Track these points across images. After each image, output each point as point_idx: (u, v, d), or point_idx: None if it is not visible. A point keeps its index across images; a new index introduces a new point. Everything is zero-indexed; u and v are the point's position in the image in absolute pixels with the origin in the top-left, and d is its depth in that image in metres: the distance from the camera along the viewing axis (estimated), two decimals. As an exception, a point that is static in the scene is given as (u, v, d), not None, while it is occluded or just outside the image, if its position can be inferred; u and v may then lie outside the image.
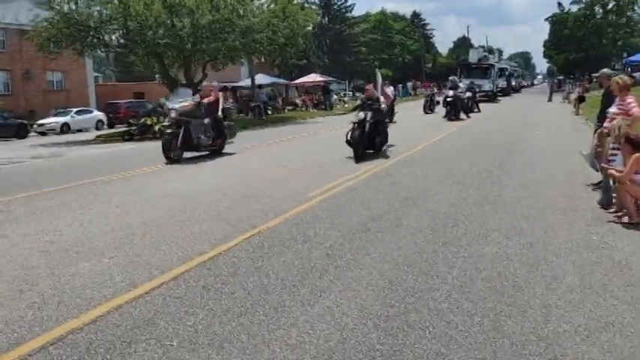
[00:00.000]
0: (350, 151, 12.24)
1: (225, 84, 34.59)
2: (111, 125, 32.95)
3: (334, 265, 5.13)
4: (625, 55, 53.26)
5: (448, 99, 24.79)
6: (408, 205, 7.55)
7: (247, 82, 39.38)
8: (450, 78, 28.17)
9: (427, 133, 18.04)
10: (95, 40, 25.76)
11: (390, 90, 25.50)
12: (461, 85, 30.71)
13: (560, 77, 62.70)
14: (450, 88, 25.72)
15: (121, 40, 26.58)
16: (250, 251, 5.65)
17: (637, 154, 6.18)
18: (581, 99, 25.45)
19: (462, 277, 4.72)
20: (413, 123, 23.52)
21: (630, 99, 7.21)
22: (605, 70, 9.69)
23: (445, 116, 24.26)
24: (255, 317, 4.02)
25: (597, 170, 7.52)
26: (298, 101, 41.99)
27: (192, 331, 3.82)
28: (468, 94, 28.12)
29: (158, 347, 3.61)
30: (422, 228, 6.35)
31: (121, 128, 26.28)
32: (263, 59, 33.67)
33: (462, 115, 24.93)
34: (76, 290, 4.66)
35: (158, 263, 5.32)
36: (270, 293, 4.47)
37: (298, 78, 47.90)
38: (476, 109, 28.71)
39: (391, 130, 14.63)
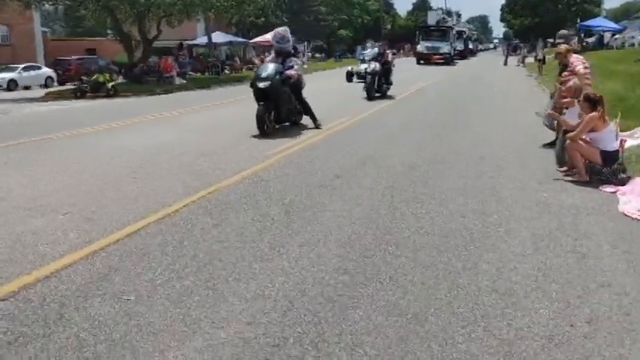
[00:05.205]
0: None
1: (182, 41, 33.71)
2: (61, 83, 31.63)
3: (293, 221, 5.14)
4: (578, 20, 54.19)
5: (260, 85, 10.20)
6: (366, 165, 7.59)
7: (203, 39, 38.43)
8: (278, 29, 11.57)
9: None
10: (43, -8, 24.53)
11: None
12: (368, 51, 22.02)
13: (516, 41, 63.39)
14: (279, 55, 11.01)
15: (71, -8, 25.39)
16: (208, 208, 5.60)
17: (591, 114, 6.34)
18: (542, 60, 25.62)
19: (419, 233, 4.80)
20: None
21: (572, 58, 7.86)
22: (562, 31, 9.97)
23: (258, 125, 10.02)
24: (213, 272, 4.00)
25: (553, 129, 7.73)
26: (257, 60, 41.27)
27: (150, 287, 3.78)
28: (374, 65, 16.67)
29: (114, 302, 3.56)
30: (380, 186, 6.42)
31: (71, 86, 25.28)
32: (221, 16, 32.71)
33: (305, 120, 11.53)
34: (27, 247, 4.54)
35: (114, 220, 5.22)
36: (228, 248, 4.46)
37: (256, 37, 46.86)
38: (385, 87, 17.22)
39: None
